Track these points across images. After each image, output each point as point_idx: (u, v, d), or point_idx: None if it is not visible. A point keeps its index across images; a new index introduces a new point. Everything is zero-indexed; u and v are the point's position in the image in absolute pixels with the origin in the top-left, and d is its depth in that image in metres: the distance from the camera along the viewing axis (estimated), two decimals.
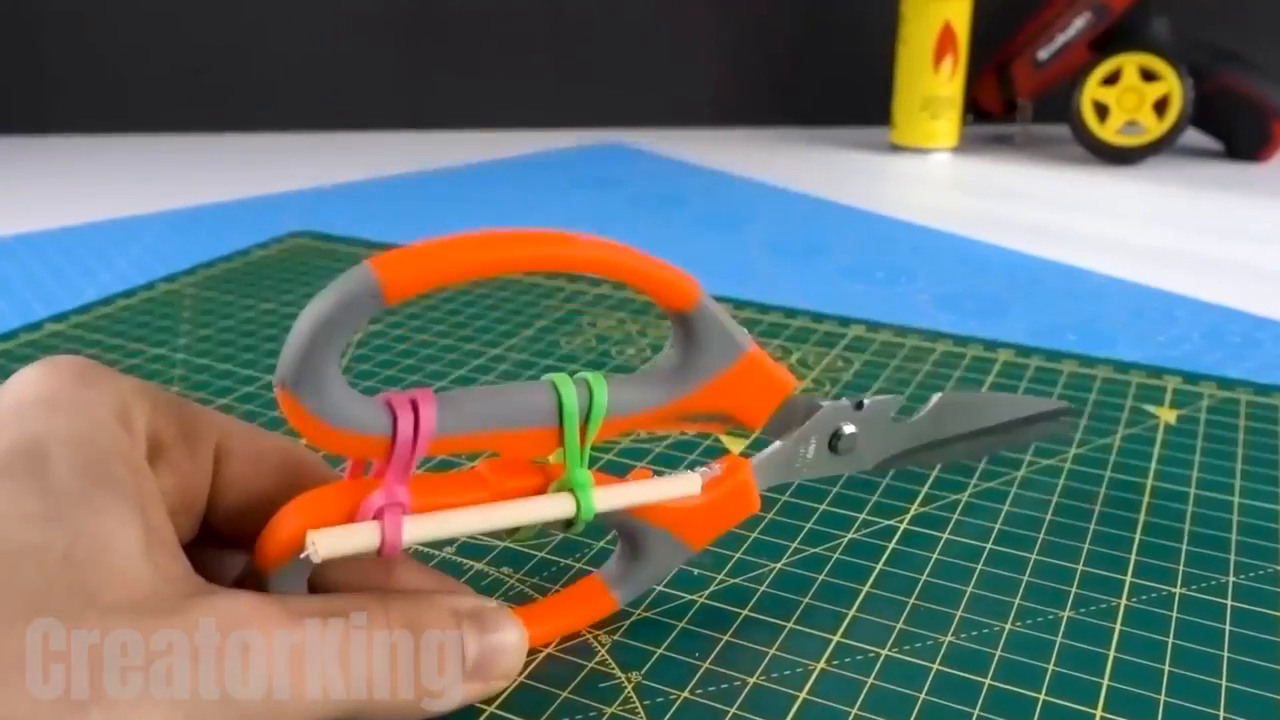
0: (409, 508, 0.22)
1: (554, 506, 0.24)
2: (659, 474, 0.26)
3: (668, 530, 0.26)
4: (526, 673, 0.25)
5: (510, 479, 0.24)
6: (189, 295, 0.52)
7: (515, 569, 0.30)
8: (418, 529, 0.22)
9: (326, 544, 0.21)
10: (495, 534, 0.25)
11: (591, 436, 0.24)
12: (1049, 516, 0.32)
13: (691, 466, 0.29)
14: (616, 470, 0.26)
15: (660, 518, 0.26)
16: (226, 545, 0.24)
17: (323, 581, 0.24)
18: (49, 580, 0.18)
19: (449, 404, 0.22)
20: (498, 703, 0.24)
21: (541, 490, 0.24)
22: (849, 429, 0.29)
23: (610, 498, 0.25)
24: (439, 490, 0.23)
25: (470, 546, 0.31)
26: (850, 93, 1.04)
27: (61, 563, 0.18)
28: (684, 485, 0.26)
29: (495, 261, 0.21)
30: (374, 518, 0.22)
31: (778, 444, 0.28)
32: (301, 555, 0.21)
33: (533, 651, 0.26)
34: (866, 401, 0.29)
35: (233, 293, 0.53)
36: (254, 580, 0.22)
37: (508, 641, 0.24)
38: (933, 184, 0.84)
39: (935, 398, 0.31)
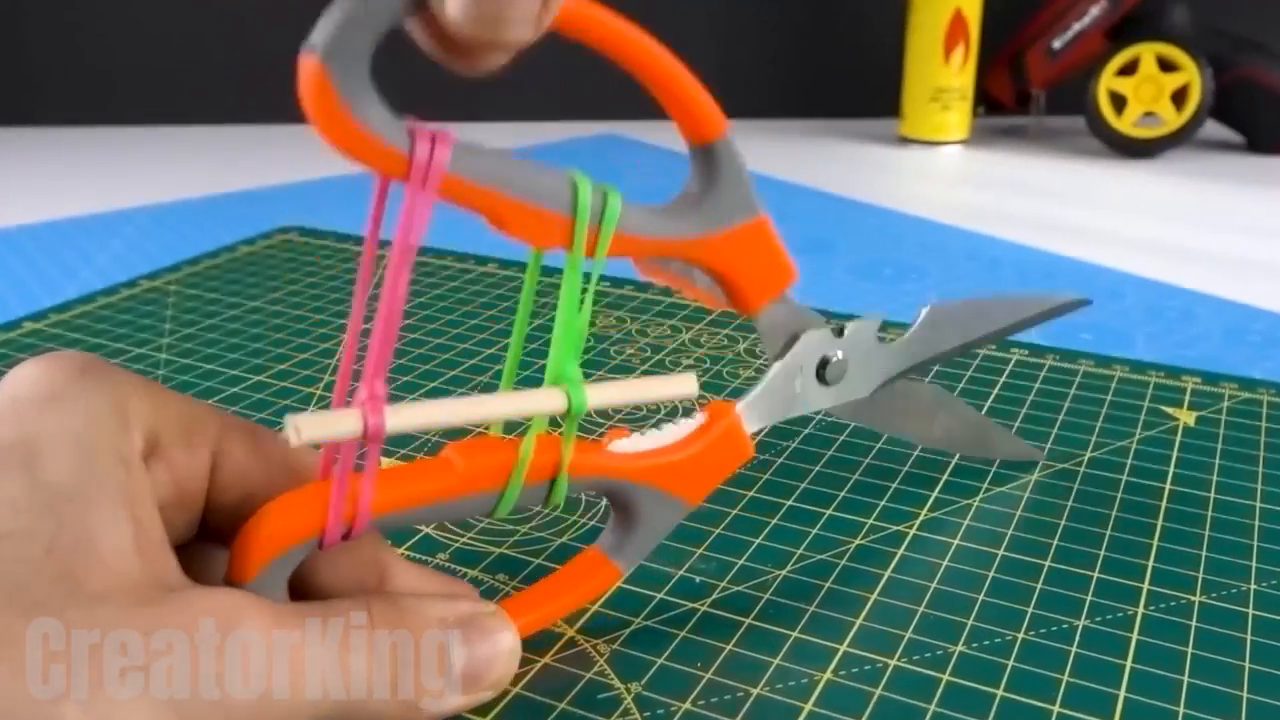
0: (384, 400, 0.22)
1: (544, 401, 0.23)
2: (637, 430, 0.26)
3: (658, 487, 0.26)
4: (523, 683, 0.25)
5: (479, 456, 0.24)
6: (173, 292, 0.52)
7: (511, 575, 0.30)
8: (400, 418, 0.22)
9: (309, 427, 0.21)
10: (475, 515, 0.24)
11: (603, 246, 0.23)
12: (1064, 522, 0.32)
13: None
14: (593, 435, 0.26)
15: (650, 476, 0.26)
16: (225, 544, 0.24)
17: (312, 583, 0.24)
18: (34, 567, 0.18)
19: (466, 151, 0.21)
20: (493, 713, 0.24)
21: (509, 466, 0.24)
22: (836, 355, 0.29)
23: (603, 394, 0.24)
24: (405, 478, 0.23)
25: (463, 553, 0.31)
26: (857, 84, 1.04)
27: (47, 551, 0.19)
28: (680, 387, 0.26)
29: None
30: (337, 512, 0.22)
31: (762, 382, 0.28)
32: (280, 434, 0.21)
33: (529, 660, 0.26)
34: (848, 328, 0.29)
35: (218, 290, 0.53)
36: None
37: (499, 650, 0.24)
38: (943, 178, 0.84)
39: (925, 310, 0.31)
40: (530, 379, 0.42)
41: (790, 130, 1.01)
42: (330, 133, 0.19)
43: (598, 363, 0.44)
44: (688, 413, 0.30)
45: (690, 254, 0.25)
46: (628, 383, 0.25)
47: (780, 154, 0.91)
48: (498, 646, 0.24)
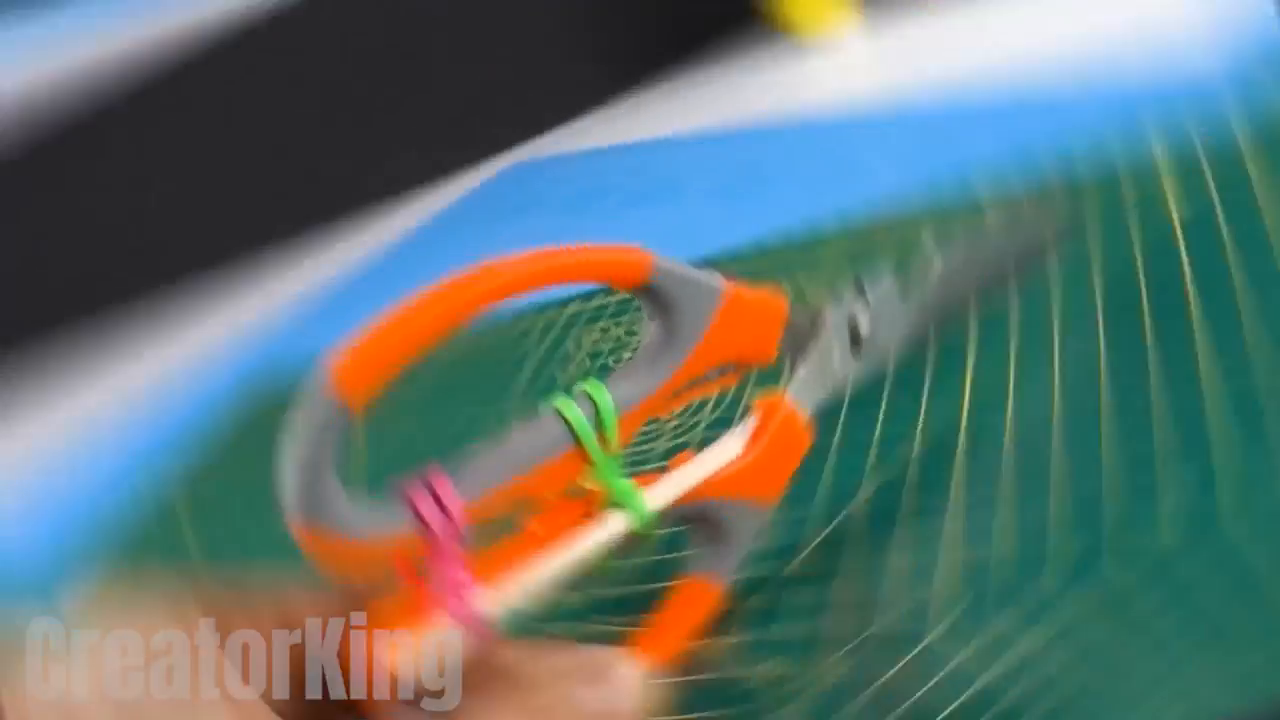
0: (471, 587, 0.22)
1: (609, 527, 0.24)
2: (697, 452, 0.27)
3: (734, 499, 0.27)
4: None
5: (562, 519, 0.24)
6: None
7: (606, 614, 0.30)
8: (490, 605, 0.22)
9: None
10: (573, 582, 0.25)
11: (614, 442, 0.24)
12: None
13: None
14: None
15: (727, 489, 0.27)
16: None
17: None
18: None
19: (460, 471, 0.22)
20: None
21: (593, 518, 0.24)
22: (864, 321, 0.29)
23: (659, 494, 0.25)
24: (495, 563, 0.23)
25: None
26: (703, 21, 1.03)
27: None
28: (727, 450, 0.27)
29: (448, 315, 0.21)
30: (443, 611, 0.22)
31: (804, 364, 0.29)
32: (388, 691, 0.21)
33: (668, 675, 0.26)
34: (867, 286, 0.30)
35: None
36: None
37: (627, 684, 0.24)
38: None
39: (936, 262, 0.32)
40: None
41: (689, 82, 1.00)
42: (347, 564, 0.21)
43: (603, 378, 0.44)
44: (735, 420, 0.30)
45: (692, 375, 0.26)
46: (679, 472, 0.26)
47: (688, 109, 0.90)
48: (625, 681, 0.24)
